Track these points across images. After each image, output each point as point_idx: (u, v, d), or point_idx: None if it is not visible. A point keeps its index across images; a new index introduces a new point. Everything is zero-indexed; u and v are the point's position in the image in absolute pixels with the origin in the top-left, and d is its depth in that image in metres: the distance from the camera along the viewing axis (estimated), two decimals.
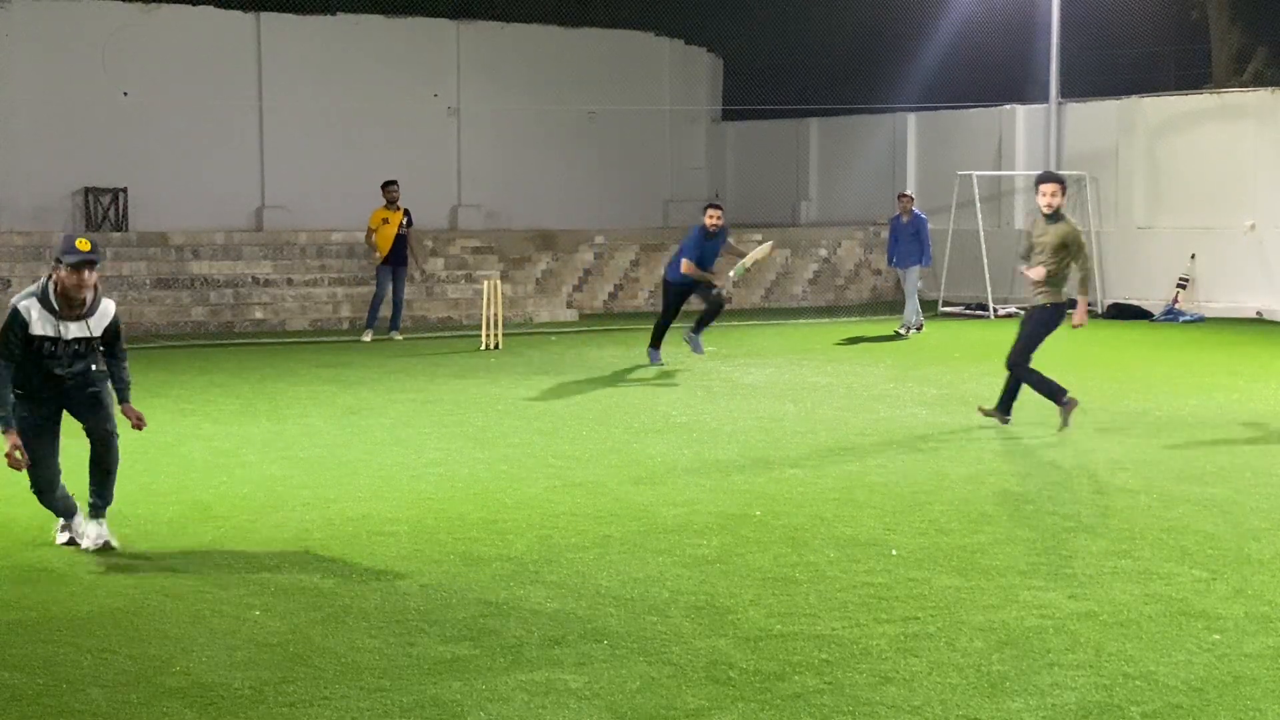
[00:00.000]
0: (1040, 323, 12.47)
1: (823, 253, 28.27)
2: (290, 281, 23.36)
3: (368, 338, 20.58)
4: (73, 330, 7.99)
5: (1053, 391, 12.42)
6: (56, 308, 7.92)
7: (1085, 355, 19.05)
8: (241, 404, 14.07)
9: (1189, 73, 30.18)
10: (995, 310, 24.91)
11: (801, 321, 24.01)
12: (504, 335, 19.79)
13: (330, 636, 6.53)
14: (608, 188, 30.75)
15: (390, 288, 20.78)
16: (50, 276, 7.93)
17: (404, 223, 20.86)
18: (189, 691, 5.83)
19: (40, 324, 7.92)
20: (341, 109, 27.57)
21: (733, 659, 6.19)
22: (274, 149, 27.52)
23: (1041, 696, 5.73)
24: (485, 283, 20.18)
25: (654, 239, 27.37)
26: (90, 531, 8.13)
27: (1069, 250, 12.34)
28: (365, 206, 26.54)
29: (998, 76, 28.92)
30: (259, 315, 22.48)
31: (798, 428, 12.53)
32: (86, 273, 7.84)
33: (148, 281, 22.48)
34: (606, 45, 30.93)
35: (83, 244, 7.82)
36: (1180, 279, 24.49)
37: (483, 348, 19.25)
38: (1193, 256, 24.53)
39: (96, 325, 8.08)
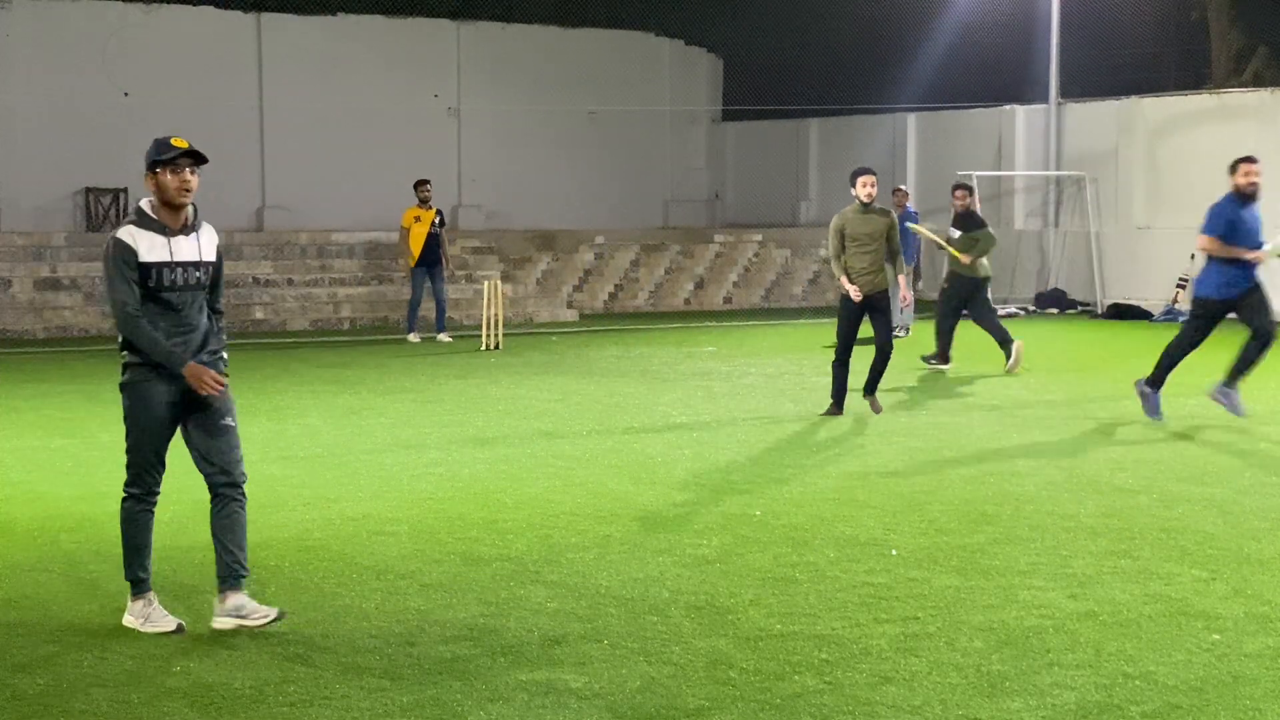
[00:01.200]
0: (889, 303, 13.25)
1: (823, 253, 28.24)
2: (291, 282, 23.37)
3: (415, 338, 20.49)
4: (184, 248, 6.63)
5: (845, 391, 13.18)
6: (160, 220, 6.61)
7: (1085, 355, 19.05)
8: (242, 404, 13.93)
9: (1189, 73, 30.19)
10: (995, 310, 24.89)
11: (801, 321, 24.01)
12: (504, 335, 19.79)
13: (330, 636, 6.53)
14: (608, 188, 30.76)
15: (425, 289, 20.58)
16: (141, 201, 6.71)
17: (436, 222, 20.60)
18: (190, 691, 5.83)
19: (149, 247, 6.54)
20: (341, 109, 27.60)
21: (733, 659, 6.19)
22: (274, 149, 27.54)
23: (1041, 696, 5.73)
24: (486, 283, 20.19)
25: (654, 239, 27.37)
26: (249, 606, 6.66)
27: (892, 236, 13.03)
28: (366, 207, 26.60)
29: (998, 76, 28.92)
30: (259, 315, 22.49)
31: (797, 428, 12.54)
32: (189, 172, 6.58)
33: None
34: (606, 45, 30.96)
35: (179, 141, 6.60)
36: (1180, 279, 24.49)
37: (483, 348, 19.25)
38: (1193, 256, 24.51)
39: (208, 245, 6.78)
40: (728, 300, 27.24)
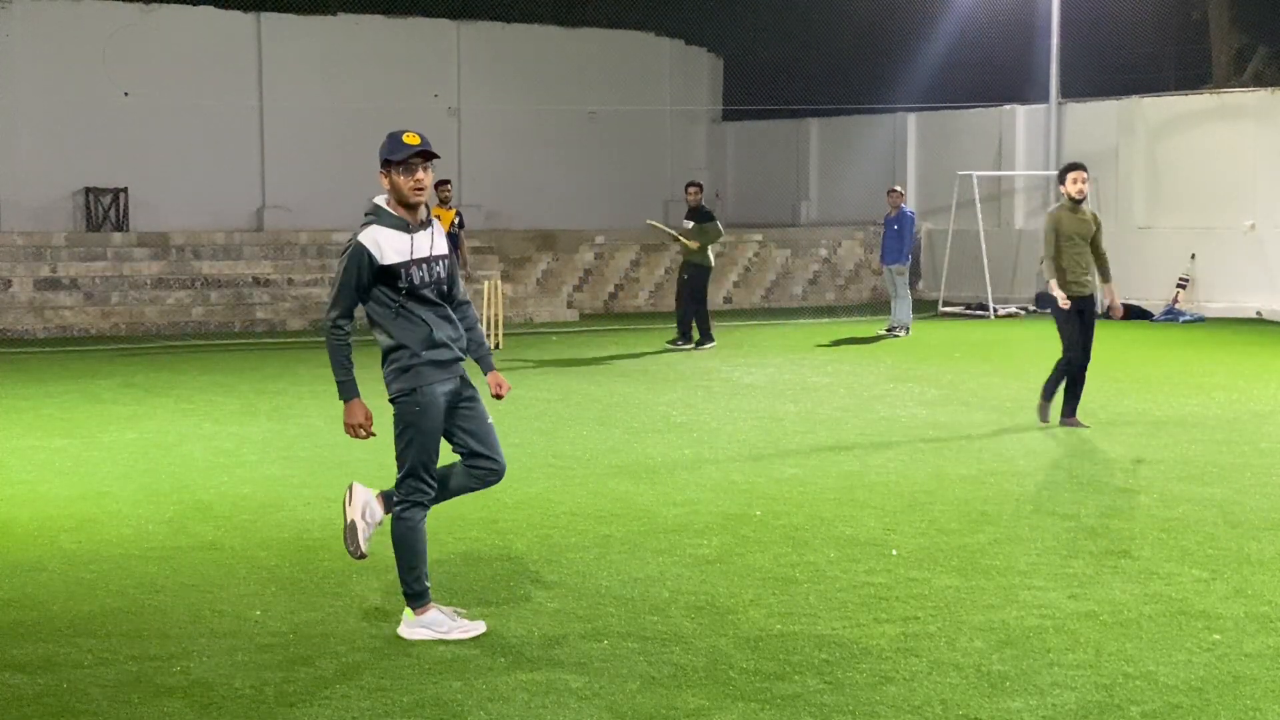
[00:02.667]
0: (1095, 309, 12.41)
1: (823, 253, 28.27)
2: (291, 282, 23.36)
3: None
4: (422, 244, 6.46)
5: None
6: (400, 216, 6.49)
7: None
8: (242, 404, 14.07)
9: (1189, 73, 30.21)
10: (995, 310, 24.91)
11: (801, 321, 24.01)
12: (505, 335, 19.79)
13: (330, 636, 6.53)
14: (608, 188, 30.76)
15: None
16: (376, 198, 6.59)
17: (455, 223, 20.43)
18: (190, 691, 5.83)
19: (394, 249, 6.40)
20: (341, 109, 27.60)
21: (733, 659, 6.19)
22: (274, 149, 27.55)
23: (1041, 696, 5.73)
24: (486, 283, 20.19)
25: (654, 239, 27.36)
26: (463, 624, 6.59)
27: (1098, 238, 12.35)
28: (365, 207, 26.51)
29: (998, 76, 28.94)
30: (259, 315, 22.49)
31: (798, 428, 12.53)
32: (422, 171, 6.42)
33: (148, 281, 22.49)
34: (606, 45, 30.96)
35: (411, 137, 6.40)
36: (1180, 279, 24.50)
37: None
38: (1193, 256, 24.54)
39: (440, 239, 6.59)
40: (728, 300, 27.24)
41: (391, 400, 6.56)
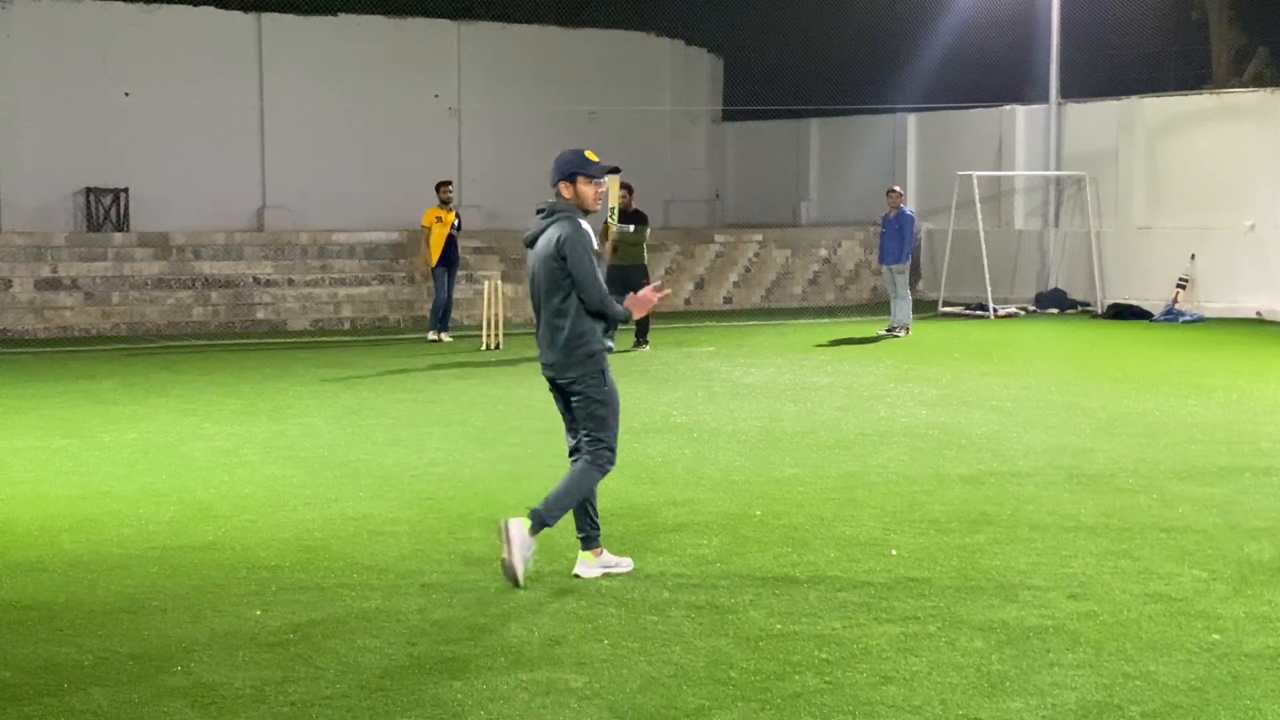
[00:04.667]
0: None
1: (823, 253, 28.26)
2: (291, 282, 23.37)
3: (434, 336, 20.34)
4: None
5: None
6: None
7: (1085, 355, 19.05)
8: (243, 404, 14.07)
9: (1189, 73, 30.17)
10: (995, 310, 24.90)
11: (801, 321, 24.02)
12: (505, 335, 19.78)
13: (331, 636, 6.54)
14: None
15: (446, 288, 20.39)
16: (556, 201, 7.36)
17: (456, 224, 20.43)
18: (190, 691, 5.83)
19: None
20: (342, 109, 27.60)
21: (733, 659, 6.20)
22: (274, 149, 27.55)
23: (1041, 696, 5.73)
24: (486, 283, 20.18)
25: (654, 239, 27.33)
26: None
27: None
28: (366, 207, 26.50)
29: (998, 76, 28.92)
30: (260, 315, 22.50)
31: (798, 428, 12.53)
32: (600, 184, 7.44)
33: (149, 282, 22.49)
34: (606, 45, 30.96)
35: (593, 154, 7.44)
36: (1180, 279, 24.49)
37: (484, 348, 19.26)
38: (1193, 256, 24.53)
39: None
40: (728, 300, 27.24)
41: (583, 378, 7.45)
